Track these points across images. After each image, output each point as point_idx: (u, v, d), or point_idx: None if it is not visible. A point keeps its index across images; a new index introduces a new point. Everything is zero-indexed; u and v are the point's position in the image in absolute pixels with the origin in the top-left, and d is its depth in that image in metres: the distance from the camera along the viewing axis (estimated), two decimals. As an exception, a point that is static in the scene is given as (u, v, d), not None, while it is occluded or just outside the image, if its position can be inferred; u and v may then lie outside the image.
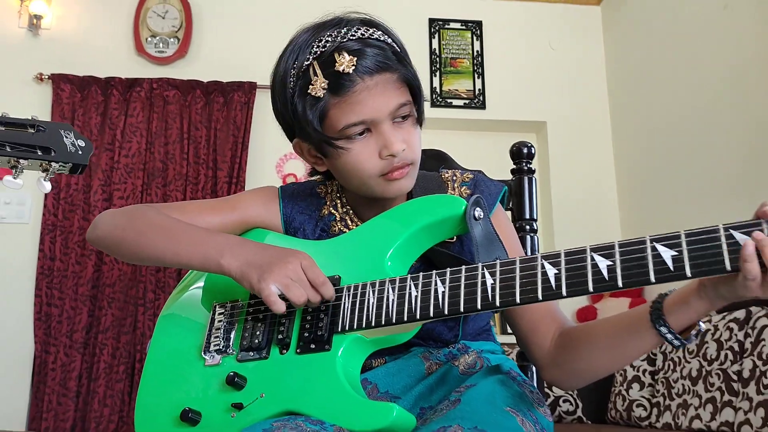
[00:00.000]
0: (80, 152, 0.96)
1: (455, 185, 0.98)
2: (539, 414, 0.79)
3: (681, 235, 0.64)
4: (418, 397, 0.83)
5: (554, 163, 3.86)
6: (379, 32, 0.89)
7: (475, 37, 3.96)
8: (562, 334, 0.85)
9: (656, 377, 2.90)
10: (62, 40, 3.68)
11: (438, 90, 3.87)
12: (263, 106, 3.59)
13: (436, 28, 3.95)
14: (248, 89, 3.65)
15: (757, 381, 2.27)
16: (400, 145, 0.86)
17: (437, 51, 3.91)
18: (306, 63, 0.86)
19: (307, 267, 0.80)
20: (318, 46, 0.86)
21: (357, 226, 0.95)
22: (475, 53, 3.93)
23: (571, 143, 3.85)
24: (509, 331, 1.15)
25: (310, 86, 0.85)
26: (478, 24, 3.96)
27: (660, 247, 0.65)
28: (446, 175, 1.00)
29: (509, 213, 1.21)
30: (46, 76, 3.57)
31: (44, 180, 0.94)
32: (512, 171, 1.25)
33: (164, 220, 0.89)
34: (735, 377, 2.41)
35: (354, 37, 0.86)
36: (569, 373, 0.85)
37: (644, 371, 2.98)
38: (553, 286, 0.67)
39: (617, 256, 0.67)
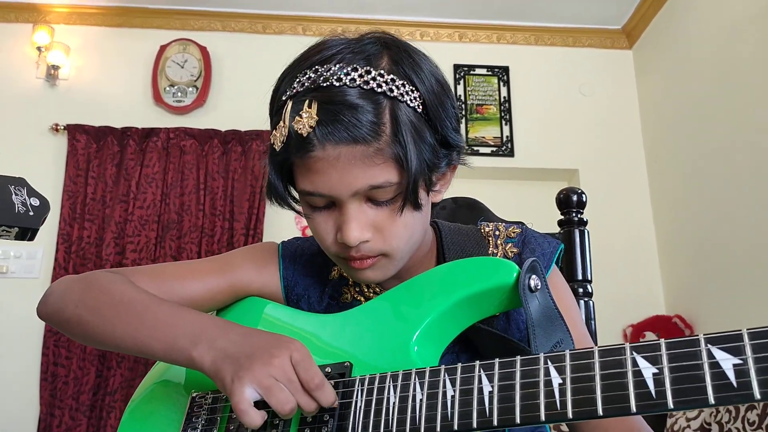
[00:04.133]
0: (31, 213, 0.79)
1: (498, 242, 0.78)
2: None
3: (744, 335, 0.44)
4: None
5: (588, 212, 3.65)
6: (391, 77, 0.69)
7: (501, 83, 3.82)
8: None
9: (712, 449, 2.61)
10: (79, 90, 3.62)
11: (464, 137, 3.71)
12: (282, 155, 3.46)
13: (462, 74, 3.82)
14: (266, 138, 3.53)
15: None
16: (359, 234, 0.68)
17: (463, 97, 3.77)
18: (284, 97, 0.69)
19: (298, 362, 0.61)
20: (301, 80, 0.69)
21: (375, 294, 0.76)
22: (502, 99, 3.79)
23: (605, 191, 3.64)
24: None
25: (275, 130, 0.68)
26: (505, 69, 3.82)
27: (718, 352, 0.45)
28: (486, 228, 0.80)
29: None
30: (62, 127, 3.49)
31: None
32: (560, 222, 1.06)
33: (125, 293, 0.70)
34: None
35: (339, 83, 0.67)
36: None
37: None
38: (653, 392, 0.47)
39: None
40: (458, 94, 3.78)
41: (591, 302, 1.03)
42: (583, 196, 1.06)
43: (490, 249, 0.77)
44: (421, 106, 0.70)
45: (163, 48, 3.68)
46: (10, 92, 3.58)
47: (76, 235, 3.41)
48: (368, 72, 0.68)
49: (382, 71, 0.69)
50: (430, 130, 0.71)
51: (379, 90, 0.67)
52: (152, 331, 0.67)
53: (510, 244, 0.77)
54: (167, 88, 3.63)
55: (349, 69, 0.67)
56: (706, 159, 3.19)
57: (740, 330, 0.45)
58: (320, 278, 0.80)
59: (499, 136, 3.73)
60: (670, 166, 3.53)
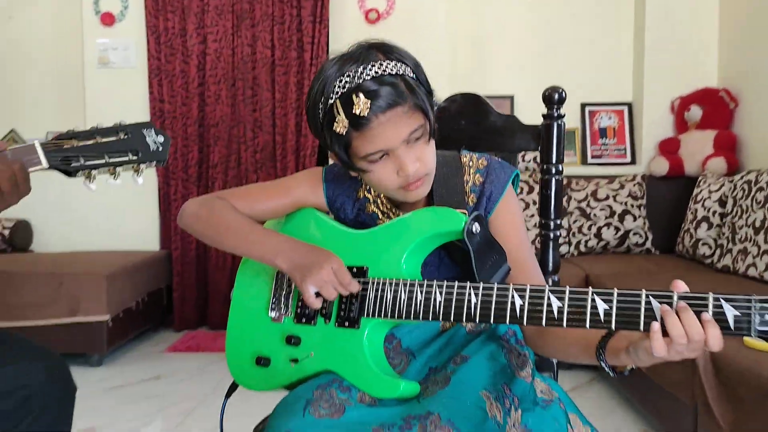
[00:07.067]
0: (160, 149, 1.17)
1: (471, 171, 1.13)
2: (517, 380, 1.02)
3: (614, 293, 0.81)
4: (429, 358, 1.08)
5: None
6: (393, 62, 0.99)
7: None
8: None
9: (724, 220, 3.00)
10: None
11: None
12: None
13: None
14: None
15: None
16: (413, 165, 1.01)
17: None
18: (330, 101, 1.00)
19: (336, 270, 1.02)
20: (339, 86, 0.99)
21: (386, 207, 1.14)
22: None
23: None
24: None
25: (335, 123, 1.00)
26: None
27: (599, 301, 0.82)
28: (464, 158, 1.14)
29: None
30: None
31: (137, 176, 1.17)
32: (543, 116, 1.35)
33: (231, 219, 1.12)
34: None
35: (369, 77, 0.97)
36: (539, 349, 1.08)
37: (714, 212, 3.07)
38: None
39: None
40: None
41: (561, 179, 1.35)
42: (564, 93, 1.33)
43: (465, 176, 1.12)
44: (413, 74, 1.03)
45: None
46: None
47: (162, 27, 3.76)
48: (379, 65, 0.99)
49: (385, 61, 1.00)
50: (423, 87, 1.04)
51: (392, 72, 0.99)
52: (250, 246, 1.10)
53: (478, 174, 1.12)
54: None
55: (367, 66, 0.98)
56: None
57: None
58: (351, 195, 1.17)
59: None
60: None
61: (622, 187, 3.50)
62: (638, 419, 2.45)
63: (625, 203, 3.45)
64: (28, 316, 3.03)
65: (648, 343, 0.79)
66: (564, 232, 3.45)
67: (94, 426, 2.43)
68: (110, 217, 3.84)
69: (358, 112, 0.97)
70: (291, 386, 1.10)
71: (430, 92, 1.06)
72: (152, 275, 3.68)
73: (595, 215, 3.46)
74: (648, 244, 3.45)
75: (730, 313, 0.76)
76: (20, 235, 3.78)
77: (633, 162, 3.85)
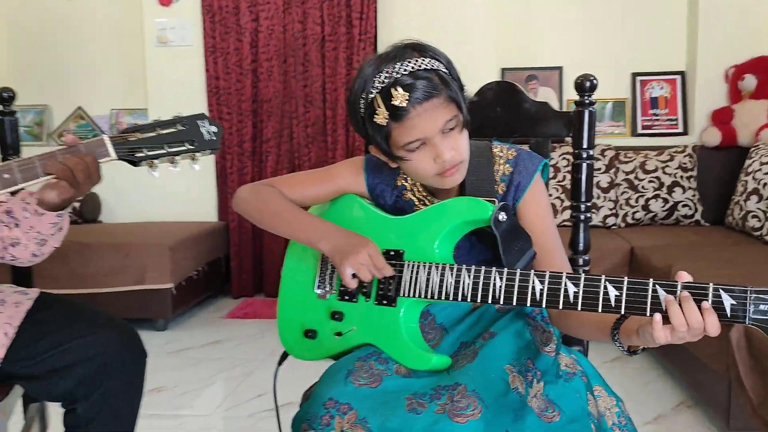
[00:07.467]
0: (214, 138, 1.28)
1: (501, 161, 1.20)
2: (541, 355, 1.11)
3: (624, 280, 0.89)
4: (460, 334, 1.17)
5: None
6: (427, 59, 1.08)
7: None
8: None
9: (775, 192, 2.97)
10: None
11: None
12: None
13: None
14: None
15: None
16: (449, 153, 1.10)
17: None
18: (371, 96, 1.09)
19: (372, 255, 1.12)
20: (379, 81, 1.07)
21: (422, 194, 1.23)
22: None
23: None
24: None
25: (375, 116, 1.09)
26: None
27: (611, 288, 0.90)
28: (495, 149, 1.22)
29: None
30: None
31: (194, 163, 1.29)
32: (575, 103, 1.41)
33: (280, 205, 1.23)
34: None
35: (406, 72, 1.06)
36: (562, 328, 1.16)
37: (765, 184, 3.04)
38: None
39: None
40: None
41: (592, 164, 1.41)
42: (595, 81, 1.38)
43: (495, 166, 1.19)
44: (446, 69, 1.11)
45: None
46: None
47: (216, 6, 3.88)
48: (415, 61, 1.07)
49: (420, 58, 1.08)
50: (455, 82, 1.12)
51: (427, 67, 1.08)
52: (296, 231, 1.21)
53: (507, 165, 1.19)
54: None
55: (403, 63, 1.07)
56: None
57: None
58: (390, 183, 1.26)
59: None
60: None
61: (671, 158, 3.48)
62: (676, 390, 2.50)
63: (675, 175, 3.43)
64: (100, 284, 3.27)
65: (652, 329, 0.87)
66: (611, 204, 3.46)
67: (162, 386, 2.64)
68: (171, 190, 4.04)
69: (397, 104, 1.06)
70: (335, 357, 1.21)
71: (462, 87, 1.14)
72: (211, 245, 3.88)
73: (643, 187, 3.45)
74: (697, 216, 3.43)
75: (728, 302, 0.82)
76: (89, 208, 4.03)
77: (685, 132, 3.80)
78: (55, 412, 1.50)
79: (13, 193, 1.25)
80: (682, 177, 3.44)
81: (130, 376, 1.34)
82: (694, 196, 3.43)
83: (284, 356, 1.34)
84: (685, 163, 3.46)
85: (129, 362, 1.33)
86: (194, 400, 2.56)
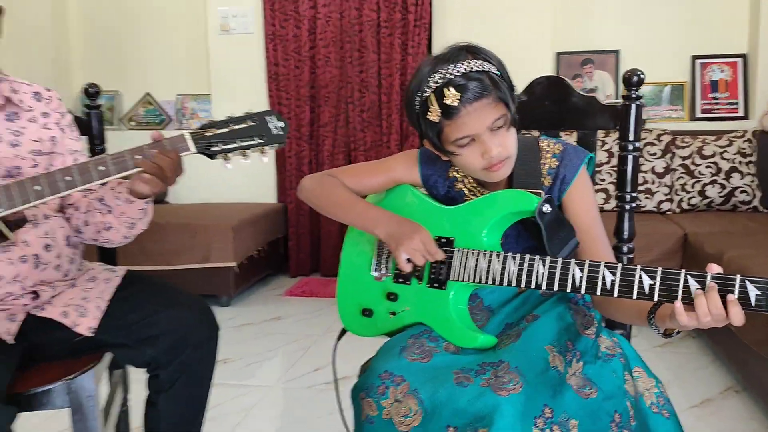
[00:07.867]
0: (281, 133, 1.39)
1: (548, 155, 1.28)
2: (582, 337, 1.19)
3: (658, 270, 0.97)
4: (506, 316, 1.26)
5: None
6: (479, 61, 1.15)
7: None
8: None
9: (837, 179, 2.91)
10: None
11: None
12: None
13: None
14: None
15: None
16: (497, 149, 1.18)
17: None
18: (425, 94, 1.18)
19: (425, 242, 1.22)
20: (433, 81, 1.16)
21: (472, 186, 1.32)
22: None
23: None
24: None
25: (429, 113, 1.18)
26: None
27: (645, 277, 0.98)
28: (543, 144, 1.29)
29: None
30: None
31: (263, 156, 1.40)
32: (623, 97, 1.46)
33: (340, 195, 1.34)
34: None
35: (459, 73, 1.14)
36: (603, 312, 1.23)
37: (827, 171, 2.99)
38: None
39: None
40: None
41: (638, 157, 1.46)
42: (642, 76, 1.43)
43: (542, 160, 1.27)
44: (498, 71, 1.19)
45: None
46: None
47: (275, -6, 4.01)
48: (468, 63, 1.15)
49: (473, 60, 1.16)
50: (505, 83, 1.20)
51: (479, 69, 1.15)
52: (354, 218, 1.32)
53: (554, 159, 1.26)
54: None
55: (457, 64, 1.15)
56: None
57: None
58: (442, 174, 1.35)
59: None
60: None
61: (730, 143, 3.44)
62: (724, 376, 2.52)
63: (733, 160, 3.40)
64: (169, 261, 3.48)
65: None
66: (666, 190, 3.45)
67: (227, 359, 2.82)
68: (233, 172, 4.20)
69: (449, 103, 1.14)
70: (390, 334, 1.33)
71: (511, 87, 1.21)
72: (271, 226, 4.05)
73: (700, 173, 3.43)
74: (755, 202, 3.40)
75: (753, 293, 0.89)
76: (157, 189, 4.25)
77: (745, 117, 3.74)
78: (135, 378, 1.67)
79: (103, 183, 1.40)
80: (740, 162, 3.40)
81: (206, 346, 1.48)
82: (752, 182, 3.39)
83: (343, 332, 1.46)
84: (744, 148, 3.41)
85: (205, 335, 1.48)
86: (257, 371, 2.74)
